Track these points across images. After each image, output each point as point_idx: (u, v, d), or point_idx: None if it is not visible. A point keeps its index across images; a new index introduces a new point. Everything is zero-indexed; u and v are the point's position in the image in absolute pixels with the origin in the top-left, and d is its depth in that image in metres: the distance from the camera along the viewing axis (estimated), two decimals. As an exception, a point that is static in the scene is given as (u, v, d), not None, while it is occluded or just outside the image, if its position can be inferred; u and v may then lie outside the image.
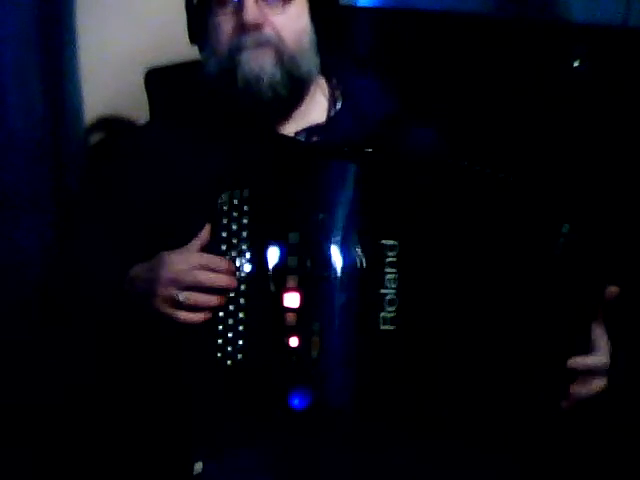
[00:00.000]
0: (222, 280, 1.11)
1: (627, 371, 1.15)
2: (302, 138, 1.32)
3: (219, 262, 1.12)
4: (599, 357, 1.13)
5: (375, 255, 1.09)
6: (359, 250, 1.09)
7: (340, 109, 1.38)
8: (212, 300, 1.11)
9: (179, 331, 1.14)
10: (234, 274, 1.12)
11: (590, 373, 1.13)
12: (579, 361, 1.12)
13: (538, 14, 1.71)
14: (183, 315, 1.12)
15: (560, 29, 1.69)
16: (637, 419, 1.29)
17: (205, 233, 1.14)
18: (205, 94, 1.33)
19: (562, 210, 1.14)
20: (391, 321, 1.08)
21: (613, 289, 1.14)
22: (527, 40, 1.64)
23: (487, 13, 1.74)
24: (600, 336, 1.14)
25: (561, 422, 1.14)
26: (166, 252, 1.15)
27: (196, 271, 1.11)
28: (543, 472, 1.17)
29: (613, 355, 1.13)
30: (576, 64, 1.64)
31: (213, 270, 1.11)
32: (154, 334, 1.16)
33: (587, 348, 1.14)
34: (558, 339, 1.12)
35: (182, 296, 1.11)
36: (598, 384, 1.13)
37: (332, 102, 1.38)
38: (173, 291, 1.11)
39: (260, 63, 1.25)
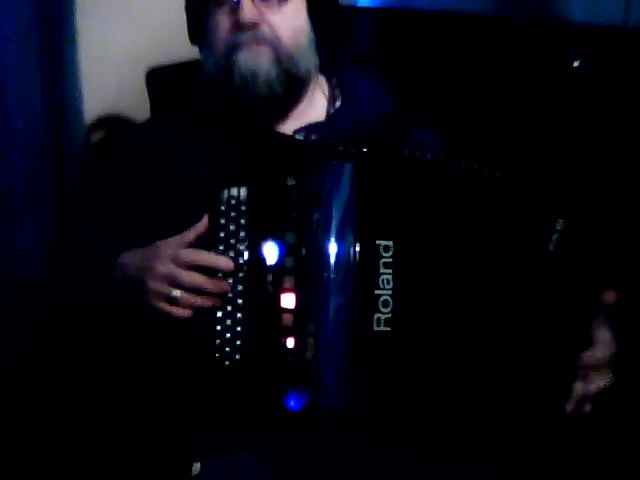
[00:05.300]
0: (218, 286, 1.11)
1: (630, 365, 1.15)
2: (301, 136, 1.33)
3: (216, 261, 1.12)
4: (598, 351, 1.13)
5: (370, 255, 1.09)
6: (355, 250, 1.09)
7: (339, 108, 1.38)
8: (207, 302, 1.11)
9: (176, 330, 1.14)
10: (232, 273, 1.11)
11: (592, 369, 1.13)
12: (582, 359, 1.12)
13: (538, 14, 1.71)
14: (175, 311, 1.12)
15: (560, 29, 1.69)
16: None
17: (202, 224, 1.14)
18: (205, 94, 1.34)
19: (556, 206, 1.13)
20: (385, 322, 1.08)
21: (612, 295, 1.13)
22: (527, 40, 1.64)
23: (487, 13, 1.74)
24: (601, 330, 1.14)
25: (565, 425, 1.13)
26: (162, 242, 1.14)
27: (193, 272, 1.11)
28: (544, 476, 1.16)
29: (617, 348, 1.13)
30: (576, 64, 1.63)
31: (210, 268, 1.11)
32: (148, 329, 1.16)
33: (587, 344, 1.13)
34: (556, 336, 1.12)
35: (176, 293, 1.11)
36: (602, 380, 1.13)
37: (331, 101, 1.38)
38: (167, 288, 1.11)
39: (256, 61, 1.26)
